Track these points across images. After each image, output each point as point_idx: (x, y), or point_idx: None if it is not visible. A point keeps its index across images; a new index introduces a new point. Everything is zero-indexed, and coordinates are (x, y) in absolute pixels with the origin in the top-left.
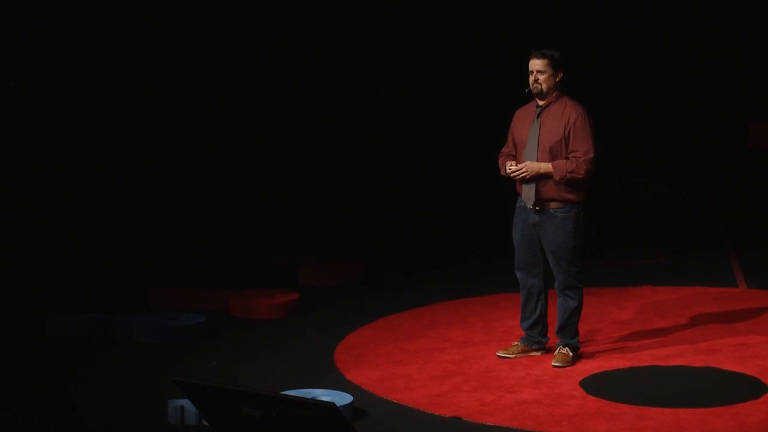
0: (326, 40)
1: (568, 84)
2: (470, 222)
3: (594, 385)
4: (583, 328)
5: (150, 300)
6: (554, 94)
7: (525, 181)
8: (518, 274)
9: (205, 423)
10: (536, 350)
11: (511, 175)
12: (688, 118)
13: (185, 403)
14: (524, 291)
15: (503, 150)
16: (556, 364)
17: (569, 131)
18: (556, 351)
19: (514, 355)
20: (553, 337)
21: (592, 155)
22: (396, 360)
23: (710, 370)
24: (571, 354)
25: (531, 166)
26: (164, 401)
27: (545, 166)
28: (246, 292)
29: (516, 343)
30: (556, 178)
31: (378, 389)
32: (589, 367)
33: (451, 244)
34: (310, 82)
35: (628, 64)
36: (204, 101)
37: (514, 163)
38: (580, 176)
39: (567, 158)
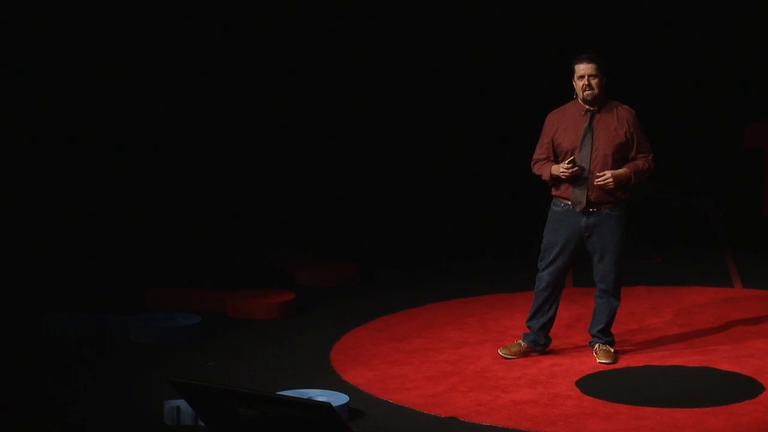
0: (326, 40)
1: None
2: (469, 222)
3: (590, 385)
4: (578, 328)
5: (146, 300)
6: (604, 98)
7: (577, 185)
8: (545, 274)
9: (201, 423)
10: (536, 352)
11: (600, 183)
12: (684, 118)
13: (181, 403)
14: (546, 291)
15: (539, 156)
16: (604, 361)
17: (632, 134)
18: (597, 349)
19: (515, 356)
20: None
21: (653, 153)
22: (392, 360)
23: (706, 370)
24: (612, 350)
25: (615, 173)
26: (160, 402)
27: (625, 173)
28: (242, 292)
29: (519, 341)
30: (633, 181)
31: (374, 389)
32: (585, 367)
33: (449, 244)
34: (307, 81)
35: (627, 65)
36: (201, 102)
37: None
38: (649, 175)
39: (633, 159)
